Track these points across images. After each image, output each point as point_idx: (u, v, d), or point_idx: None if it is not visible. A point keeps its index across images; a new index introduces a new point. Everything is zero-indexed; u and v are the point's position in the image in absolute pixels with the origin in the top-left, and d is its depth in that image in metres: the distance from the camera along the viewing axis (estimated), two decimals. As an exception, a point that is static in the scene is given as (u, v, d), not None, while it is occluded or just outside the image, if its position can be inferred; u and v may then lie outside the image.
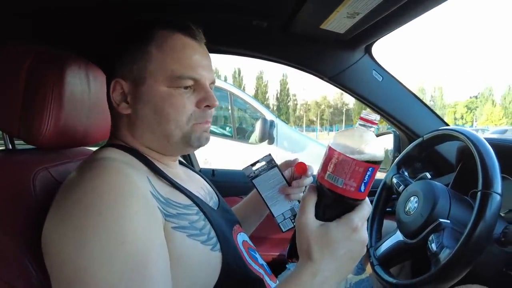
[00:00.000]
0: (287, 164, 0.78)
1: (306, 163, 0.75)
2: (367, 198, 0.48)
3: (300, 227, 0.48)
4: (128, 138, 0.63)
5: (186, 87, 0.60)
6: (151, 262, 0.46)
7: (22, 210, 0.55)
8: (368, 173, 0.45)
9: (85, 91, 0.70)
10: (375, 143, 0.45)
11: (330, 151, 0.47)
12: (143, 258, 0.46)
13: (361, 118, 0.47)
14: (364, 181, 0.45)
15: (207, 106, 0.62)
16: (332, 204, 0.48)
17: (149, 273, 0.45)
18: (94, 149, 0.81)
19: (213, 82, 0.65)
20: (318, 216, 0.48)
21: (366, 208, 0.48)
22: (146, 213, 0.50)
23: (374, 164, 0.45)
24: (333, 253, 0.47)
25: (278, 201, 0.75)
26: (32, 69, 0.61)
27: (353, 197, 0.46)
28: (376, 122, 0.46)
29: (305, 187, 0.75)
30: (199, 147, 0.65)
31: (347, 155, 0.44)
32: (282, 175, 0.75)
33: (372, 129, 0.46)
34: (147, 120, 0.60)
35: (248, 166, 0.79)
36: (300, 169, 0.75)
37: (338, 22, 0.86)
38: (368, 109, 1.09)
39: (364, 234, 0.48)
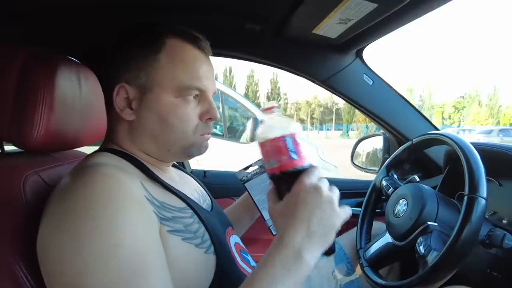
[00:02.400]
0: None
1: None
2: (313, 164, 0.52)
3: (270, 213, 0.52)
4: (126, 143, 0.62)
5: (193, 97, 0.60)
6: (148, 262, 0.47)
7: (12, 216, 0.53)
8: (287, 143, 0.50)
9: (76, 93, 0.69)
10: (277, 120, 0.52)
11: (259, 148, 0.53)
12: (140, 259, 0.46)
13: (263, 110, 0.54)
14: (290, 150, 0.50)
15: (209, 118, 0.63)
16: (283, 183, 0.52)
17: (147, 273, 0.46)
18: (84, 150, 0.81)
19: (215, 93, 0.66)
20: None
21: (312, 170, 0.50)
22: (141, 216, 0.50)
23: (286, 135, 0.50)
24: (296, 220, 0.48)
25: None
26: (24, 71, 0.60)
27: (291, 167, 0.50)
28: (275, 105, 0.53)
29: None
30: (197, 156, 0.66)
31: (265, 141, 0.51)
32: None
33: (274, 112, 0.52)
34: (151, 128, 0.60)
35: (241, 169, 0.80)
36: None
37: (330, 27, 0.87)
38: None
39: (325, 192, 0.49)
